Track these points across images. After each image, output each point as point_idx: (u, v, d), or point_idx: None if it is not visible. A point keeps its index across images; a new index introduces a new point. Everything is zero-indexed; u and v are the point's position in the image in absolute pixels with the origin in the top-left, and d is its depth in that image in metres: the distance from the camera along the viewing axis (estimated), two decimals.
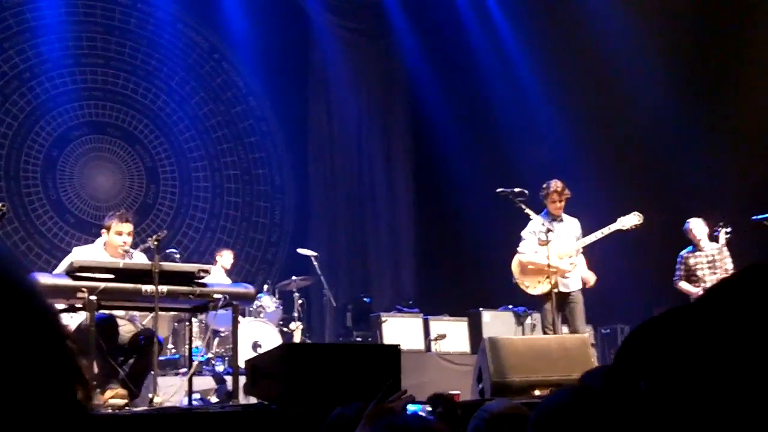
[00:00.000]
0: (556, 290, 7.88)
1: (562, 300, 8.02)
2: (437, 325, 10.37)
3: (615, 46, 11.41)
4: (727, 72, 10.98)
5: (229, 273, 10.05)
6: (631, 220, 8.08)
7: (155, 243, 6.28)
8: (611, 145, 11.61)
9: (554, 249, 7.96)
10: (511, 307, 10.43)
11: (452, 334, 10.29)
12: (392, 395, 3.23)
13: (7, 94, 11.18)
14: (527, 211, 8.02)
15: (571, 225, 8.26)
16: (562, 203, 8.20)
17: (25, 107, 11.28)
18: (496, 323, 10.29)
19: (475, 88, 12.82)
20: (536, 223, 8.06)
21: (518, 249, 8.30)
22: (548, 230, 7.88)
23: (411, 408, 3.30)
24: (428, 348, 10.19)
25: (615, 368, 1.01)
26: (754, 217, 8.50)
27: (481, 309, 10.50)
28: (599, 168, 11.40)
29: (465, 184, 12.39)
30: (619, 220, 8.06)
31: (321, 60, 13.48)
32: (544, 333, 7.97)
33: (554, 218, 8.20)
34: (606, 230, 8.06)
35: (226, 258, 10.18)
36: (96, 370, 5.92)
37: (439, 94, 13.20)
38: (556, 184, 8.19)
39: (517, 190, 8.05)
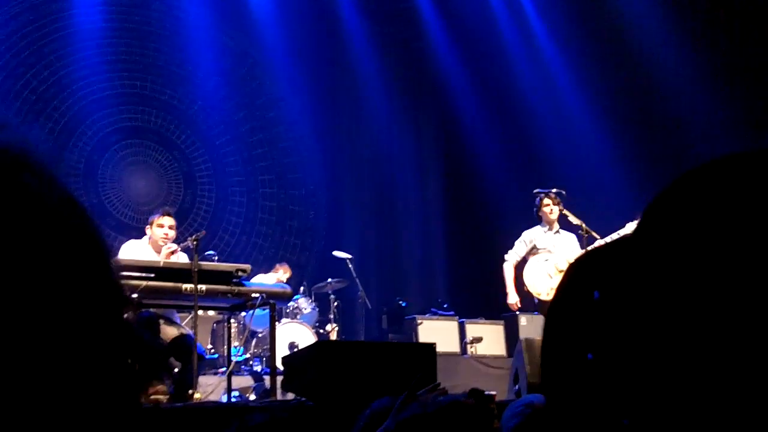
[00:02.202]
0: None
1: None
2: (473, 328, 10.36)
3: (652, 42, 11.31)
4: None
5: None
6: None
7: (194, 243, 6.39)
8: (647, 145, 11.52)
9: (564, 257, 8.11)
10: None
11: (488, 338, 10.27)
12: (425, 388, 3.25)
13: (48, 99, 11.37)
14: (565, 212, 8.03)
15: (567, 238, 8.37)
16: (554, 212, 8.27)
17: (66, 113, 11.47)
18: (533, 326, 10.22)
19: (508, 88, 12.77)
20: (531, 232, 8.31)
21: (505, 256, 8.50)
22: (533, 245, 8.22)
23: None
24: (464, 351, 10.18)
25: (566, 280, 1.04)
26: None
27: (517, 312, 10.47)
28: (635, 169, 11.32)
29: (499, 186, 12.36)
30: (628, 225, 7.99)
31: (352, 64, 13.53)
32: None
33: (550, 229, 8.34)
34: (615, 236, 7.98)
35: (284, 273, 10.31)
36: (137, 366, 6.02)
37: (470, 95, 13.18)
38: (548, 195, 8.28)
39: (554, 190, 8.07)
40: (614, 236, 8.00)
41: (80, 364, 0.45)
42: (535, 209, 8.45)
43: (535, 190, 8.27)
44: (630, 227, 7.94)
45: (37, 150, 0.52)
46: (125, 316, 0.54)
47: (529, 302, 8.84)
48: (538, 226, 8.41)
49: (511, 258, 8.47)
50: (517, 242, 8.49)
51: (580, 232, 7.97)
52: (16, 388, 0.42)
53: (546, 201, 8.29)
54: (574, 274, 1.04)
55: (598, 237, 7.99)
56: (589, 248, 7.84)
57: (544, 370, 1.05)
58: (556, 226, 8.40)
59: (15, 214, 0.45)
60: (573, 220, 8.01)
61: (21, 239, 0.44)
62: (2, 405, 0.41)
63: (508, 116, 12.86)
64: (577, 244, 8.34)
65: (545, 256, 8.31)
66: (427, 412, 2.37)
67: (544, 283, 8.26)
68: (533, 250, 8.32)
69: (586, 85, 12.05)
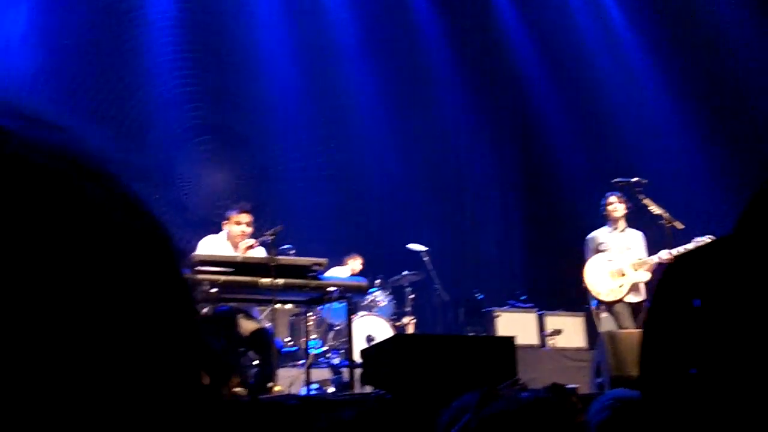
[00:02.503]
0: (626, 299, 8.17)
1: (633, 309, 8.17)
2: (553, 321, 10.22)
3: (732, 31, 11.02)
4: None
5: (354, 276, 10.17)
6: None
7: (271, 237, 6.44)
8: (728, 134, 11.22)
9: (627, 259, 8.15)
10: (646, 302, 10.18)
11: (568, 330, 10.11)
12: (504, 383, 3.19)
13: (124, 98, 11.57)
14: (646, 201, 7.87)
15: (633, 236, 8.35)
16: (619, 210, 8.27)
17: (143, 109, 11.66)
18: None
19: (585, 75, 12.57)
20: (595, 234, 8.41)
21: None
22: (597, 246, 8.32)
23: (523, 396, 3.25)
24: (543, 344, 10.06)
25: (663, 287, 0.97)
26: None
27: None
28: (716, 157, 11.03)
29: (578, 175, 12.16)
30: (693, 240, 7.58)
31: (424, 52, 13.46)
32: None
33: (615, 229, 8.34)
34: (683, 249, 7.68)
35: (356, 263, 10.35)
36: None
37: (546, 83, 13.01)
38: (613, 194, 8.32)
39: (635, 179, 7.95)
40: (681, 250, 7.76)
41: (152, 370, 0.45)
42: (601, 208, 8.45)
43: (614, 180, 8.15)
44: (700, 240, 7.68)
45: (100, 152, 0.50)
46: (199, 316, 0.53)
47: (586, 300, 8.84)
48: (604, 227, 8.43)
49: (588, 258, 8.50)
50: (586, 252, 8.53)
51: (662, 221, 7.79)
52: (95, 390, 0.42)
53: (611, 200, 8.29)
54: (670, 281, 0.97)
55: (681, 226, 7.79)
56: (682, 251, 7.64)
57: (643, 384, 0.98)
58: (623, 224, 8.35)
59: (71, 228, 0.43)
60: (654, 209, 7.84)
61: (82, 256, 0.43)
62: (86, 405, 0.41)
63: (586, 104, 12.65)
64: (644, 242, 8.32)
65: (609, 255, 8.29)
66: (510, 409, 2.32)
67: (604, 283, 8.27)
68: (598, 251, 8.35)
69: (666, 72, 11.79)
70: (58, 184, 0.43)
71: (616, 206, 8.27)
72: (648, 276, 8.13)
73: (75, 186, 0.44)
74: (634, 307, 8.19)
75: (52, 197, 0.43)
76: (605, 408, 2.87)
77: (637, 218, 8.23)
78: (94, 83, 11.31)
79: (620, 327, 8.12)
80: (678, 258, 1.03)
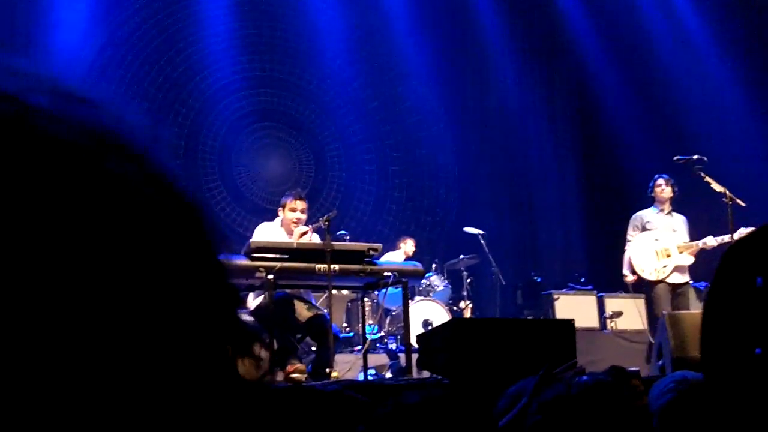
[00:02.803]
0: (669, 280, 8.29)
1: (674, 290, 8.29)
2: (612, 303, 10.09)
3: None
4: None
5: (409, 259, 10.16)
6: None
7: (326, 223, 6.45)
8: None
9: (673, 241, 8.28)
10: (691, 282, 10.00)
11: (628, 312, 9.97)
12: (562, 367, 3.14)
13: (182, 85, 11.69)
14: (707, 179, 7.74)
15: (678, 219, 8.49)
16: (666, 192, 8.41)
17: (200, 97, 11.77)
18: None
19: (643, 52, 12.35)
20: (641, 214, 8.55)
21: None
22: (644, 224, 8.44)
23: (583, 379, 3.20)
24: (603, 326, 9.94)
25: (725, 266, 0.93)
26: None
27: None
28: None
29: (637, 154, 11.96)
30: (739, 230, 7.51)
31: (481, 36, 13.35)
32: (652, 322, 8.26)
33: (661, 210, 8.48)
34: (727, 237, 7.85)
35: (408, 245, 10.34)
36: (275, 346, 6.14)
37: (605, 62, 12.80)
38: (660, 178, 8.49)
39: (695, 157, 7.88)
40: (718, 240, 7.99)
41: (182, 352, 0.44)
42: (649, 189, 8.60)
43: (674, 158, 8.06)
44: (741, 231, 7.65)
45: (135, 129, 0.49)
46: (235, 297, 0.52)
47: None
48: (651, 208, 8.58)
49: (629, 247, 8.62)
50: (629, 230, 8.66)
51: (723, 199, 7.67)
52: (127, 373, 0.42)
53: (659, 181, 8.46)
54: (733, 260, 0.93)
55: (743, 204, 7.65)
56: (726, 239, 7.69)
57: (707, 366, 0.94)
58: (668, 206, 8.50)
59: (96, 203, 0.42)
60: (716, 187, 7.71)
61: (106, 230, 0.42)
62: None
63: (646, 82, 12.43)
64: (687, 226, 8.46)
65: (655, 235, 8.40)
66: (571, 393, 2.28)
67: (650, 262, 8.34)
68: (644, 230, 8.48)
69: (729, 50, 11.51)
70: (85, 160, 0.43)
71: (664, 188, 8.42)
72: (692, 260, 8.28)
73: (102, 162, 0.44)
74: (674, 288, 8.30)
75: (79, 173, 0.42)
76: (668, 390, 2.80)
77: (700, 197, 8.09)
78: (151, 72, 11.45)
79: (656, 307, 8.26)
80: (741, 238, 1.00)
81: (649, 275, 8.31)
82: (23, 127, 0.42)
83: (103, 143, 0.45)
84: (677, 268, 8.29)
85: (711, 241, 8.06)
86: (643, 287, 8.78)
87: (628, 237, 8.65)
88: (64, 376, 0.39)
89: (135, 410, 0.42)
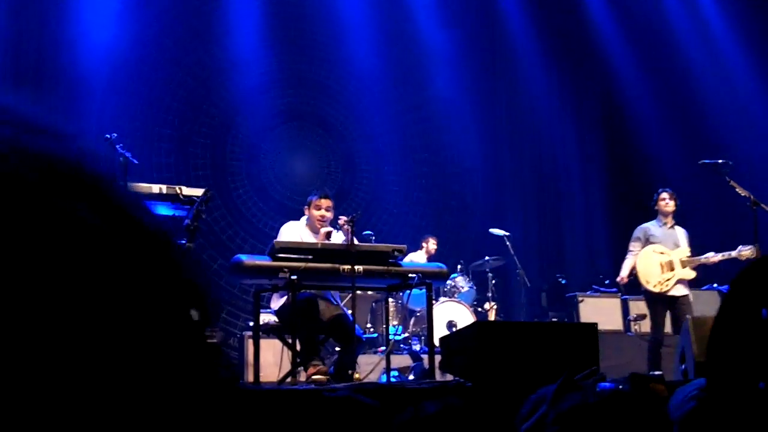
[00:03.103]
0: (671, 293, 8.47)
1: (673, 302, 8.40)
2: (637, 305, 10.05)
3: None
4: None
5: (432, 258, 10.17)
6: (748, 252, 8.20)
7: (350, 224, 6.46)
8: None
9: (677, 255, 8.49)
10: (716, 286, 9.93)
11: None
12: (581, 373, 3.13)
13: (209, 86, 11.75)
14: (732, 183, 7.69)
15: (679, 233, 8.67)
16: (670, 206, 8.61)
17: (227, 97, 11.82)
18: (700, 303, 9.81)
19: (671, 56, 12.29)
20: (644, 227, 8.72)
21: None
22: (648, 237, 8.63)
23: (603, 386, 3.19)
24: (627, 329, 9.90)
25: (731, 297, 0.93)
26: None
27: None
28: None
29: (663, 157, 11.91)
30: (738, 248, 8.22)
31: (509, 38, 13.34)
32: (653, 330, 8.47)
33: (664, 224, 8.65)
34: (726, 255, 8.32)
35: (431, 244, 10.35)
36: (299, 347, 6.16)
37: (632, 67, 12.75)
38: (664, 192, 8.69)
39: (721, 161, 7.83)
40: (719, 256, 8.35)
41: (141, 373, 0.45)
42: (652, 203, 8.77)
43: (700, 162, 8.01)
44: (739, 249, 8.20)
45: (95, 157, 0.48)
46: (202, 323, 0.51)
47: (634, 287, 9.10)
48: (654, 221, 8.74)
49: (634, 249, 8.78)
50: (632, 241, 8.81)
51: (748, 204, 7.63)
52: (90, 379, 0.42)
53: (663, 195, 8.63)
54: (740, 290, 0.93)
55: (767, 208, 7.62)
56: (727, 256, 7.86)
57: (711, 398, 0.95)
58: (672, 220, 8.68)
59: (39, 243, 0.42)
60: (740, 191, 7.69)
61: (48, 263, 0.42)
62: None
63: (672, 86, 12.37)
64: (687, 240, 8.64)
65: (661, 248, 8.57)
66: (588, 402, 2.28)
67: (654, 273, 8.50)
68: (648, 243, 8.66)
69: (757, 54, 11.39)
70: (32, 195, 0.43)
71: (668, 202, 8.60)
72: (694, 274, 8.51)
73: (50, 197, 0.44)
74: (674, 300, 8.46)
75: (25, 209, 0.43)
76: (691, 398, 2.78)
77: (725, 201, 8.05)
78: (179, 72, 11.52)
79: (654, 318, 8.52)
80: (747, 268, 1.00)
81: (654, 287, 8.45)
82: None
83: (55, 177, 0.45)
84: (679, 281, 8.47)
85: (713, 257, 8.35)
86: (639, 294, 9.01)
87: (630, 247, 8.79)
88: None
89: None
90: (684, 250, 8.55)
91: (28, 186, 0.43)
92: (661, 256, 8.53)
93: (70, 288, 0.42)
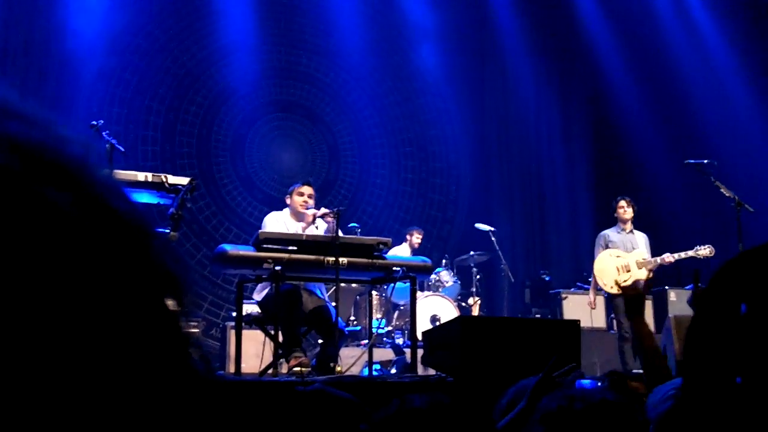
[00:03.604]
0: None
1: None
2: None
3: None
4: None
5: (416, 252, 10.17)
6: (705, 251, 8.65)
7: (335, 216, 6.44)
8: None
9: (633, 257, 8.88)
10: (701, 285, 9.96)
11: None
12: (560, 369, 3.14)
13: (197, 75, 11.71)
14: (717, 183, 7.73)
15: (639, 237, 9.07)
16: (627, 213, 9.03)
17: (214, 87, 11.79)
18: (683, 302, 9.88)
19: (658, 54, 12.32)
20: (604, 233, 9.17)
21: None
22: (607, 243, 9.04)
23: (583, 382, 3.20)
24: (610, 327, 9.93)
25: (710, 292, 0.93)
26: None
27: (666, 287, 10.13)
28: None
29: (648, 157, 11.96)
30: (695, 248, 8.70)
31: (498, 35, 13.35)
32: (618, 329, 8.79)
33: (623, 230, 9.06)
34: (683, 254, 8.73)
35: (415, 237, 10.32)
36: (281, 338, 6.14)
37: (619, 63, 12.78)
38: (622, 200, 9.15)
39: (706, 161, 7.88)
40: (675, 256, 8.74)
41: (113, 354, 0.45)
42: (611, 210, 9.24)
43: (685, 162, 8.08)
44: (696, 249, 8.65)
45: (74, 143, 0.48)
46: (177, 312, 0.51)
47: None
48: (613, 227, 9.18)
49: (596, 254, 9.15)
50: (595, 248, 9.20)
51: (732, 204, 7.68)
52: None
53: (621, 203, 9.09)
54: (718, 285, 0.93)
55: (751, 209, 7.67)
56: (683, 256, 8.20)
57: (686, 393, 0.95)
58: (630, 226, 9.07)
59: (21, 230, 0.42)
60: (725, 192, 7.72)
61: (31, 255, 0.42)
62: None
63: (658, 84, 12.40)
64: (647, 243, 9.05)
65: (617, 252, 8.96)
66: (574, 408, 2.27)
67: (611, 276, 8.85)
68: (607, 248, 9.06)
69: (744, 50, 11.44)
70: (11, 182, 0.43)
71: (626, 209, 9.04)
72: (648, 275, 8.74)
73: (30, 184, 0.44)
74: None
75: (5, 195, 0.42)
76: (668, 398, 2.79)
77: (710, 201, 8.08)
78: (167, 61, 11.48)
79: (616, 317, 8.85)
80: (728, 263, 1.00)
81: (611, 289, 8.76)
82: None
83: (32, 162, 0.45)
84: (635, 282, 8.74)
85: (668, 258, 8.71)
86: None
87: (595, 254, 9.15)
88: None
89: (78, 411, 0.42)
90: (641, 252, 8.92)
91: (4, 170, 0.43)
92: (617, 260, 8.93)
93: (39, 274, 0.42)
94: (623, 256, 8.93)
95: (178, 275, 0.51)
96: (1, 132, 0.44)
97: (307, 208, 6.73)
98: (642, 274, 8.78)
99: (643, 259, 8.87)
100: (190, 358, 0.50)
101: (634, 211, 9.09)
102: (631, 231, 9.09)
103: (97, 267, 0.45)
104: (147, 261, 0.49)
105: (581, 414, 2.17)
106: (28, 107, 0.47)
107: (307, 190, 6.85)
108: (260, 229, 6.48)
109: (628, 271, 8.84)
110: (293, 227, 6.68)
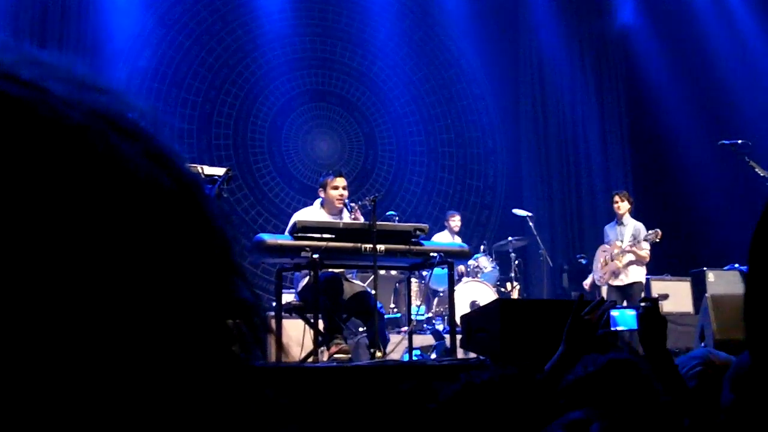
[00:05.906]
0: (613, 283, 9.42)
1: (626, 290, 9.30)
2: (659, 285, 10.06)
3: None
4: None
5: (457, 235, 10.22)
6: (651, 235, 9.22)
7: (372, 203, 6.46)
8: None
9: (616, 248, 9.42)
10: (737, 266, 9.90)
11: (675, 294, 9.93)
12: (589, 306, 3.13)
13: (233, 65, 11.81)
14: (752, 164, 7.65)
15: (630, 227, 9.47)
16: (621, 208, 9.48)
17: (250, 78, 11.88)
18: (721, 283, 9.82)
19: (692, 38, 12.21)
20: (606, 227, 9.78)
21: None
22: (605, 237, 9.66)
23: (614, 313, 3.18)
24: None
25: (759, 248, 0.88)
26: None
27: (705, 268, 10.07)
28: None
29: (683, 139, 11.87)
30: (602, 246, 9.70)
31: (532, 20, 13.30)
32: None
33: (618, 222, 9.56)
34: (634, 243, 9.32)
35: (455, 220, 10.34)
36: (321, 326, 6.21)
37: (653, 48, 12.68)
38: (615, 195, 9.67)
39: (740, 141, 7.78)
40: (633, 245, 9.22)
41: (174, 329, 0.45)
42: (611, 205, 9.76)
43: (719, 142, 7.98)
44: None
45: (142, 114, 0.50)
46: (237, 283, 0.52)
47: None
48: (613, 222, 9.73)
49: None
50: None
51: (767, 184, 7.60)
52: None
53: (615, 199, 9.57)
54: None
55: None
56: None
57: (753, 349, 0.90)
58: (625, 218, 9.53)
59: (100, 185, 0.43)
60: (760, 172, 7.64)
61: (101, 205, 0.43)
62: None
63: (694, 68, 12.28)
64: (635, 232, 9.39)
65: (605, 246, 9.58)
66: (588, 372, 2.33)
67: (598, 268, 9.56)
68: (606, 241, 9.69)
69: None
70: (91, 138, 0.44)
71: (619, 204, 9.51)
72: (624, 264, 9.29)
73: (107, 139, 0.45)
74: (626, 289, 9.30)
75: (86, 148, 0.43)
76: (690, 378, 2.82)
77: (745, 182, 8.01)
78: (201, 53, 11.59)
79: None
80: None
81: (598, 281, 9.51)
82: (36, 109, 0.43)
83: (108, 124, 0.46)
84: (616, 272, 9.34)
85: (645, 245, 9.23)
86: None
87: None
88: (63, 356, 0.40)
89: (132, 400, 0.42)
90: (622, 244, 9.39)
91: (90, 129, 0.45)
92: (603, 253, 9.56)
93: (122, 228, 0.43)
94: (608, 250, 9.51)
95: (236, 243, 0.51)
96: (80, 99, 0.46)
97: (343, 201, 6.74)
98: (620, 264, 9.27)
99: (620, 249, 9.34)
100: (233, 344, 0.49)
101: (630, 204, 9.54)
102: (623, 223, 9.51)
103: (166, 216, 0.46)
104: (205, 221, 0.49)
105: (594, 376, 2.24)
106: (96, 79, 0.49)
107: (341, 182, 6.80)
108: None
109: (607, 263, 9.44)
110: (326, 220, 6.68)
